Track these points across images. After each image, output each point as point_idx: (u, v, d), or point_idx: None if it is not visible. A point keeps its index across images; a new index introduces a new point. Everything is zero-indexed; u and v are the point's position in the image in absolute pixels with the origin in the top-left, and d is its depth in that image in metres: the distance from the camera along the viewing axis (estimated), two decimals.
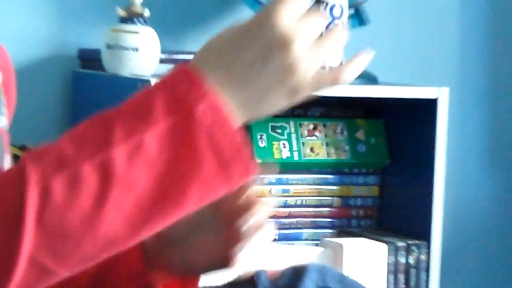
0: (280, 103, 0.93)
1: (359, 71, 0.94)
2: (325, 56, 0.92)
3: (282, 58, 0.90)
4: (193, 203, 0.90)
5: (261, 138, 2.16)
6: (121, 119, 0.89)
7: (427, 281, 2.13)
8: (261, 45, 0.91)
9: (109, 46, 2.09)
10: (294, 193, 2.18)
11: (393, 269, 2.03)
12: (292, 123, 2.18)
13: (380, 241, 1.59)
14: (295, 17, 0.91)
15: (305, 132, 2.19)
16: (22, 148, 2.13)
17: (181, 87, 0.90)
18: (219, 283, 1.11)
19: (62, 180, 0.85)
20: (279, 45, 0.90)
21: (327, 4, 2.06)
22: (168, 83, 0.91)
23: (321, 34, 0.94)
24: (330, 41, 0.93)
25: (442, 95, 2.13)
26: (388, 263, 1.52)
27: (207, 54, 0.95)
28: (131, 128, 0.88)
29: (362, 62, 0.94)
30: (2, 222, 0.85)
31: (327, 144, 2.20)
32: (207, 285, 1.12)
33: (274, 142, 2.14)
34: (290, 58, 0.90)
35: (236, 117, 0.91)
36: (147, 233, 0.91)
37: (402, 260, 2.08)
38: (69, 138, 0.91)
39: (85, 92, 2.27)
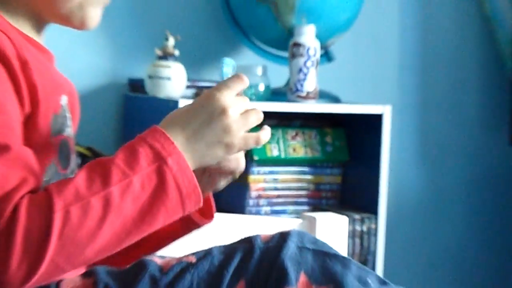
0: (219, 155, 0.97)
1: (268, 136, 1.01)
2: (251, 122, 0.97)
3: (221, 121, 0.95)
4: (159, 224, 0.93)
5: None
6: (116, 166, 0.91)
7: (375, 244, 2.12)
8: (207, 113, 0.96)
9: (150, 76, 2.08)
10: (281, 180, 2.16)
11: (352, 235, 2.07)
12: (280, 131, 2.17)
13: (342, 214, 1.60)
14: (231, 95, 0.97)
15: (289, 138, 2.17)
16: (89, 149, 2.11)
17: (157, 144, 0.93)
18: (222, 245, 1.04)
19: (78, 208, 0.87)
20: (219, 112, 0.95)
21: (304, 46, 2.05)
22: (147, 141, 0.93)
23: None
24: (254, 112, 0.98)
25: (386, 111, 2.12)
26: (348, 231, 1.53)
27: (171, 121, 0.98)
28: (124, 172, 0.90)
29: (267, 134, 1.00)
30: (34, 235, 0.85)
31: (304, 146, 2.18)
32: (211, 246, 1.04)
33: (267, 145, 2.12)
34: (227, 121, 0.95)
35: (191, 164, 0.94)
36: (127, 244, 0.93)
37: (358, 228, 2.10)
38: (82, 176, 0.92)
39: (133, 111, 2.24)
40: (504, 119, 2.38)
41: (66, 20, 1.06)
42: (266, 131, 1.01)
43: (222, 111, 0.95)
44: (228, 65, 1.10)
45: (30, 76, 0.96)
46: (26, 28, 1.04)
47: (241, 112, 0.97)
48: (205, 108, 0.97)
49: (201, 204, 0.95)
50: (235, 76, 0.99)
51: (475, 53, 2.53)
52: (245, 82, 1.00)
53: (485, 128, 2.52)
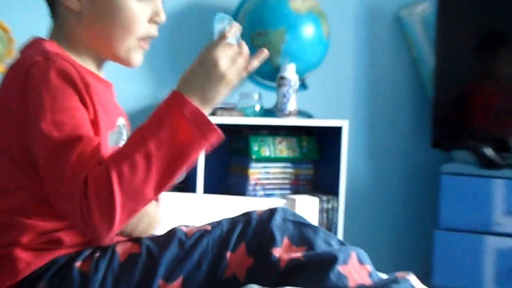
0: (225, 93, 0.91)
1: (259, 62, 0.96)
2: (239, 65, 0.91)
3: (216, 73, 0.90)
4: (192, 157, 0.89)
5: (255, 145, 2.11)
6: (148, 128, 0.87)
7: (337, 217, 2.11)
8: (204, 69, 0.90)
9: None
10: (271, 173, 2.14)
11: (320, 211, 2.03)
12: (270, 138, 2.14)
13: (314, 196, 1.60)
14: (220, 48, 0.90)
15: (277, 143, 2.15)
16: None
17: (175, 104, 0.88)
18: (229, 217, 1.01)
19: (126, 164, 0.84)
20: (213, 66, 0.89)
21: (287, 79, 2.04)
22: (169, 103, 0.89)
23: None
24: (240, 57, 0.91)
25: (344, 124, 2.11)
26: (318, 208, 1.52)
27: (183, 84, 0.91)
28: (155, 131, 0.86)
29: (260, 57, 0.94)
30: (102, 193, 0.82)
31: (287, 149, 2.16)
32: (221, 219, 1.02)
33: (261, 148, 2.11)
34: (220, 71, 0.89)
35: (204, 108, 0.88)
36: (175, 177, 0.88)
37: (325, 206, 2.08)
38: (126, 142, 0.91)
39: None
40: (427, 130, 2.36)
41: (118, 60, 1.04)
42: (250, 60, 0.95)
43: (214, 64, 0.89)
44: (220, 21, 0.97)
45: (92, 97, 0.93)
46: (89, 65, 1.02)
47: (231, 58, 0.91)
48: (202, 66, 0.91)
49: (217, 132, 0.89)
50: (224, 29, 0.93)
51: (407, 83, 2.53)
52: (235, 28, 0.94)
53: (414, 136, 2.51)
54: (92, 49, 1.02)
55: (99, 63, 1.05)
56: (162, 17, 1.03)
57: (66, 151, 0.85)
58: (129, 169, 0.84)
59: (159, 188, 0.87)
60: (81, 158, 0.85)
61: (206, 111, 0.89)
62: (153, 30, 1.03)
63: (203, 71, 0.90)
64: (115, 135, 1.03)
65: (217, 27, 0.96)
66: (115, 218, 0.84)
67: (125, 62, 1.04)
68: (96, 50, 1.02)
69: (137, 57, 1.04)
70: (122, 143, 1.06)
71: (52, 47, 0.96)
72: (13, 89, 0.92)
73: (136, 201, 0.86)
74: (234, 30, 0.93)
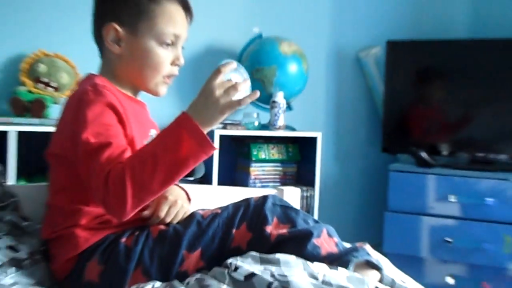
0: (220, 118, 0.85)
1: (251, 100, 0.87)
2: (231, 95, 0.84)
3: (212, 102, 0.84)
4: (192, 164, 0.83)
5: (255, 150, 2.10)
6: (159, 138, 0.85)
7: (313, 203, 2.09)
8: (204, 98, 0.84)
9: None
10: (266, 170, 2.13)
11: (301, 198, 2.03)
12: (266, 145, 2.14)
13: (297, 187, 1.59)
14: (217, 81, 0.84)
15: (270, 148, 2.14)
16: None
17: (181, 122, 0.83)
18: (234, 202, 0.99)
19: (138, 162, 0.81)
20: (209, 95, 0.84)
21: (278, 102, 2.05)
22: (177, 120, 0.84)
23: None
24: (232, 88, 0.84)
25: (318, 135, 2.11)
26: (300, 196, 1.52)
27: (191, 108, 0.85)
28: (164, 141, 0.83)
29: (253, 98, 0.87)
30: (118, 186, 0.80)
31: (278, 153, 2.15)
32: (228, 204, 0.99)
33: (259, 152, 2.10)
34: (215, 99, 0.84)
35: (203, 126, 0.82)
36: (178, 177, 0.84)
37: (305, 194, 2.08)
38: (141, 148, 0.88)
39: None
40: (379, 139, 2.36)
41: (148, 91, 1.02)
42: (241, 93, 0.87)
43: (211, 94, 0.84)
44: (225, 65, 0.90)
45: (128, 117, 0.93)
46: (128, 92, 1.02)
47: (225, 89, 0.85)
48: (203, 95, 0.86)
49: (211, 147, 0.83)
50: (221, 66, 0.87)
51: (364, 105, 2.51)
52: (231, 66, 0.88)
53: (369, 143, 2.50)
54: (129, 82, 1.02)
55: (136, 90, 1.04)
56: (182, 61, 1.02)
57: (98, 153, 0.83)
58: (140, 167, 0.81)
59: (162, 185, 0.83)
60: (109, 158, 0.83)
61: (205, 129, 0.84)
62: (175, 70, 1.02)
63: (203, 98, 0.86)
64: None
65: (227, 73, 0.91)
66: (127, 203, 0.81)
67: (153, 93, 1.02)
68: (132, 83, 1.02)
69: (162, 90, 1.02)
70: None
71: (100, 80, 0.96)
72: (70, 110, 0.93)
73: (144, 192, 0.83)
74: (229, 67, 0.88)
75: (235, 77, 0.90)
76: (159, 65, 0.98)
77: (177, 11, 0.98)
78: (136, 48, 0.97)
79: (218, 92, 0.85)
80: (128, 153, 0.86)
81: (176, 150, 0.82)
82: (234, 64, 0.89)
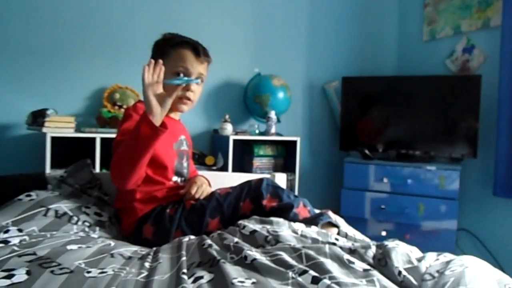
0: (147, 103, 0.77)
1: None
2: (153, 82, 0.77)
3: (145, 93, 0.77)
4: (151, 146, 0.77)
5: (256, 149, 2.06)
6: (132, 131, 0.78)
7: (295, 184, 2.05)
8: (145, 92, 0.78)
9: (220, 128, 1.94)
10: (263, 162, 2.09)
11: (287, 180, 2.00)
12: (263, 145, 2.10)
13: (284, 173, 1.58)
14: (146, 78, 0.77)
15: (266, 147, 2.11)
16: (200, 153, 1.95)
17: (143, 116, 0.77)
18: (240, 184, 0.94)
19: (119, 150, 0.78)
20: (145, 90, 0.77)
21: (271, 118, 2.03)
22: (141, 117, 0.78)
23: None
24: (156, 83, 0.78)
25: (299, 139, 2.07)
26: (285, 180, 1.50)
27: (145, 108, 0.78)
28: (132, 131, 0.78)
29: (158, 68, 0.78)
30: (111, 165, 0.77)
31: (271, 151, 2.11)
32: (236, 185, 0.94)
33: (259, 150, 2.07)
34: (145, 90, 0.77)
35: (156, 120, 0.77)
36: (146, 158, 0.77)
37: (290, 177, 2.04)
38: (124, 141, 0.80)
39: (216, 141, 2.06)
40: (337, 141, 2.33)
41: (173, 108, 0.94)
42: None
43: (145, 89, 0.78)
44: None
45: None
46: None
47: (150, 82, 0.77)
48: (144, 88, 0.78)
49: (165, 130, 0.76)
50: (149, 65, 0.78)
51: (327, 120, 2.47)
52: (151, 64, 0.78)
53: (331, 144, 2.45)
54: None
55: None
56: (191, 88, 0.92)
57: (119, 146, 0.81)
58: (118, 155, 0.79)
59: (134, 166, 0.78)
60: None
61: (152, 116, 0.76)
62: (187, 94, 0.93)
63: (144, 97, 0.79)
64: (178, 144, 1.00)
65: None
66: (114, 180, 0.80)
67: (175, 109, 0.95)
68: None
69: (181, 107, 0.95)
70: (183, 147, 1.01)
71: (141, 103, 0.92)
72: (120, 121, 0.93)
73: (121, 169, 0.78)
74: (149, 66, 0.78)
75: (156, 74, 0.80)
76: (172, 92, 0.92)
77: (186, 53, 0.92)
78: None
79: (148, 89, 0.78)
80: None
81: (137, 135, 0.77)
82: (152, 62, 0.79)
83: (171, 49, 0.93)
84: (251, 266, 0.60)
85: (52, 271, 0.56)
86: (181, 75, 0.93)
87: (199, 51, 0.94)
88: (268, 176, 1.31)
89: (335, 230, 0.90)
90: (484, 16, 1.90)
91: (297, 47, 2.31)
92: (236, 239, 0.73)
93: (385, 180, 2.00)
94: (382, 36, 2.45)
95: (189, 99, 0.95)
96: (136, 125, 0.79)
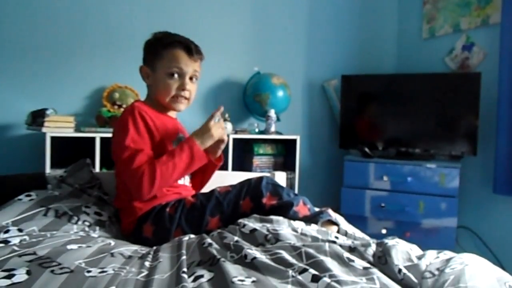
0: (210, 142, 0.90)
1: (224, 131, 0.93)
2: (221, 132, 0.91)
3: (209, 134, 0.90)
4: (194, 167, 0.88)
5: (256, 147, 2.06)
6: (176, 151, 0.86)
7: (295, 182, 2.06)
8: (205, 130, 0.90)
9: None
10: (263, 161, 2.10)
11: (286, 179, 2.01)
12: (263, 144, 2.10)
13: (284, 172, 1.58)
14: (213, 120, 0.90)
15: (266, 146, 2.11)
16: None
17: (190, 143, 0.87)
18: (240, 181, 0.95)
19: (164, 167, 0.83)
20: (208, 130, 0.90)
21: (271, 116, 2.03)
22: (186, 141, 0.88)
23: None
24: (220, 128, 0.91)
25: (298, 137, 2.07)
26: (285, 178, 1.51)
27: (194, 133, 0.90)
28: (179, 153, 0.86)
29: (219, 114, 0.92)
30: (152, 177, 0.82)
31: (271, 149, 2.12)
32: (237, 182, 0.95)
33: (259, 148, 2.07)
34: (211, 133, 0.90)
35: (202, 147, 0.88)
36: (181, 177, 0.87)
37: (289, 176, 2.05)
38: (166, 156, 0.87)
39: None
40: (337, 140, 2.33)
41: (169, 107, 0.98)
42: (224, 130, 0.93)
43: (209, 130, 0.90)
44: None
45: (157, 126, 0.91)
46: (160, 109, 0.97)
47: (217, 127, 0.91)
48: (203, 129, 0.90)
49: (206, 160, 0.89)
50: (216, 110, 0.92)
51: (327, 118, 2.47)
52: (219, 110, 0.92)
53: (331, 142, 2.46)
54: (158, 102, 0.98)
55: (164, 107, 0.99)
56: (186, 87, 0.95)
57: (135, 156, 0.84)
58: (165, 168, 0.84)
59: (175, 179, 0.88)
60: (141, 161, 0.84)
61: (202, 147, 0.89)
62: (182, 93, 0.96)
63: (202, 131, 0.90)
64: (176, 142, 0.99)
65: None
66: (153, 190, 0.84)
67: (172, 108, 0.98)
68: (160, 102, 0.98)
69: (178, 106, 0.97)
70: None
71: (139, 103, 0.94)
72: (119, 122, 0.91)
73: (166, 183, 0.86)
74: (218, 112, 0.92)
75: (221, 120, 0.94)
76: (167, 90, 0.94)
77: (179, 53, 0.93)
78: (155, 79, 0.95)
79: (214, 130, 0.90)
80: (152, 156, 0.86)
81: (183, 160, 0.86)
82: (221, 108, 0.93)
83: (163, 49, 0.93)
84: (251, 264, 0.60)
85: (52, 271, 0.56)
86: (175, 75, 0.94)
87: (192, 49, 0.94)
88: (268, 174, 1.30)
89: (335, 228, 0.90)
90: (483, 14, 1.90)
91: (297, 46, 2.30)
92: (236, 238, 0.73)
93: (385, 178, 2.00)
94: (381, 34, 2.44)
95: (185, 98, 0.97)
96: (180, 150, 0.86)
